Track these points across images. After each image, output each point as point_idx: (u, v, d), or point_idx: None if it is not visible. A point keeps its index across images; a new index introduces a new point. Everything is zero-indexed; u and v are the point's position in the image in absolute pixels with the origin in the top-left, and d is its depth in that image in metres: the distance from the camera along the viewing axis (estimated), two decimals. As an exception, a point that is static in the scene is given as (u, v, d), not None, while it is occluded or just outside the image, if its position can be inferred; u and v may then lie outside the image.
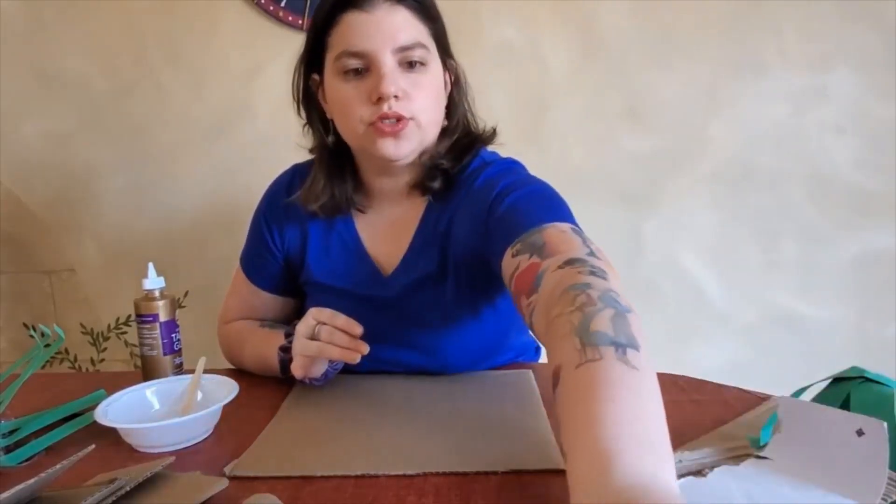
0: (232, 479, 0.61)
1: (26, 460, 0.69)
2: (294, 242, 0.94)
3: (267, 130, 1.57)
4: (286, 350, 0.83)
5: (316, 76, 0.87)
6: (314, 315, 0.77)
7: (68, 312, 1.66)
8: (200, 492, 0.56)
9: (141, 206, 1.62)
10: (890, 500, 0.52)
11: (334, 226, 0.92)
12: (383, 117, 0.77)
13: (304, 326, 0.78)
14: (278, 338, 0.87)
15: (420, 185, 0.88)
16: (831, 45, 1.51)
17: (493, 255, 0.75)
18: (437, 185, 0.86)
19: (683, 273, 1.61)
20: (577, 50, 1.54)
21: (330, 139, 0.87)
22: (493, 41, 1.53)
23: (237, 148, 1.58)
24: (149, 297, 0.89)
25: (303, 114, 0.91)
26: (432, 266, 0.86)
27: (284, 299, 1.00)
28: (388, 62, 0.77)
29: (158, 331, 0.88)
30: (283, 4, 1.51)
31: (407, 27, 0.78)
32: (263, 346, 0.90)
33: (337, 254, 0.91)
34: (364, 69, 0.78)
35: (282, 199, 0.94)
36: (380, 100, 0.77)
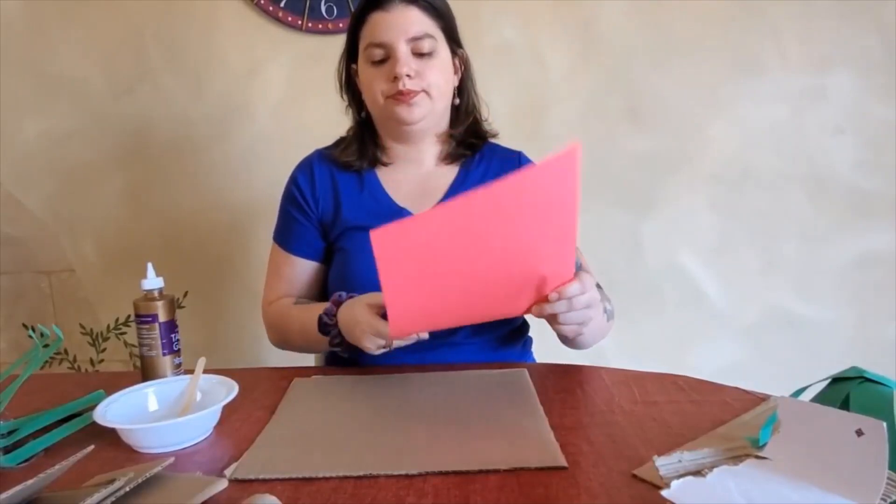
0: (231, 479, 0.61)
1: (25, 461, 0.69)
2: (326, 202, 1.05)
3: (267, 130, 1.57)
4: (328, 325, 0.92)
5: (354, 65, 1.05)
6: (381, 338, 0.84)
7: (67, 313, 1.66)
8: (200, 492, 0.56)
9: (140, 206, 1.62)
10: (889, 501, 0.52)
11: (363, 182, 1.06)
12: (399, 93, 0.95)
13: (369, 328, 0.84)
14: (318, 312, 0.94)
15: (448, 157, 1.07)
16: (830, 46, 1.51)
17: None
18: (464, 153, 1.07)
19: (683, 273, 1.61)
20: (577, 50, 1.54)
21: (363, 115, 1.07)
22: (493, 41, 1.53)
23: (237, 148, 1.58)
24: (148, 297, 0.89)
25: (345, 96, 1.09)
26: None
27: (318, 266, 1.08)
28: (402, 49, 0.96)
29: (158, 331, 0.88)
30: (282, 5, 1.51)
31: (417, 22, 0.96)
32: (308, 322, 0.97)
33: (367, 202, 1.04)
34: (386, 57, 0.97)
35: (309, 169, 1.07)
36: (396, 78, 0.95)
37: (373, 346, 0.84)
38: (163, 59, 1.56)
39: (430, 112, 0.99)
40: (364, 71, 1.00)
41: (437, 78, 0.98)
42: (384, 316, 0.81)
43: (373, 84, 0.98)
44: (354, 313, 0.86)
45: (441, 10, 1.00)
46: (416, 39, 0.96)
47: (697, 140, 1.56)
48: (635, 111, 1.56)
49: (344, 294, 0.92)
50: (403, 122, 0.99)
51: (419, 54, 0.97)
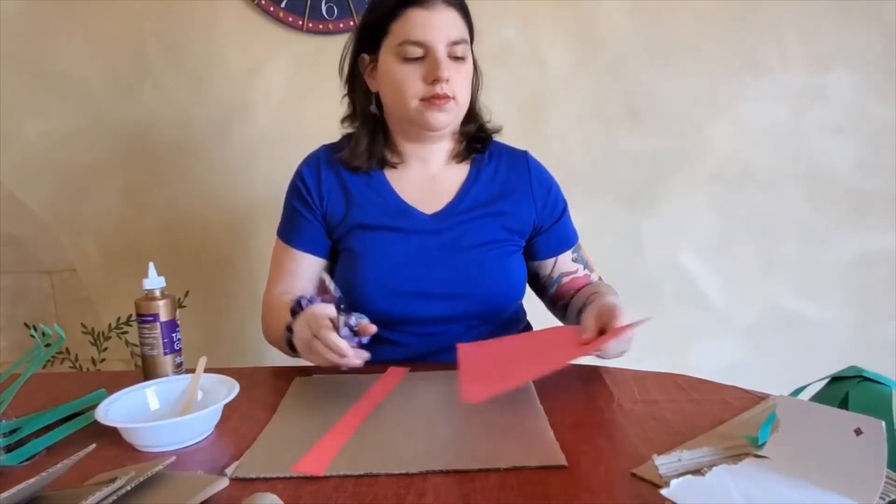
0: (232, 478, 0.61)
1: (27, 460, 0.69)
2: (332, 199, 1.04)
3: (267, 130, 1.58)
4: (292, 330, 0.89)
5: (365, 56, 1.01)
6: (313, 329, 0.80)
7: (69, 312, 1.66)
8: (201, 491, 0.56)
9: (141, 206, 1.62)
10: (888, 499, 0.52)
11: (371, 181, 1.04)
12: (436, 97, 0.94)
13: (301, 341, 0.84)
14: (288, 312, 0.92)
15: (459, 155, 1.06)
16: (830, 45, 1.52)
17: (543, 234, 1.06)
18: (474, 148, 1.06)
19: (683, 273, 1.61)
20: (576, 50, 1.54)
21: (373, 108, 1.03)
22: (493, 41, 1.53)
23: (237, 148, 1.59)
24: (149, 296, 0.89)
25: (346, 86, 1.07)
26: (480, 210, 1.03)
27: (322, 263, 1.07)
28: (443, 52, 0.93)
29: (159, 330, 0.89)
30: (282, 5, 1.51)
31: (456, 25, 0.95)
32: (280, 323, 0.95)
33: (375, 199, 1.03)
34: (422, 57, 0.94)
35: (316, 166, 1.06)
36: (435, 81, 0.93)
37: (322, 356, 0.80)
38: (163, 59, 1.56)
39: (455, 118, 0.99)
40: (392, 67, 0.96)
41: (465, 84, 0.98)
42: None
43: (404, 83, 0.95)
44: (315, 312, 0.82)
45: (468, 13, 0.99)
46: (454, 43, 0.94)
47: (697, 140, 1.57)
48: (635, 111, 1.56)
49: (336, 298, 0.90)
50: (431, 128, 0.97)
51: (454, 58, 0.95)
